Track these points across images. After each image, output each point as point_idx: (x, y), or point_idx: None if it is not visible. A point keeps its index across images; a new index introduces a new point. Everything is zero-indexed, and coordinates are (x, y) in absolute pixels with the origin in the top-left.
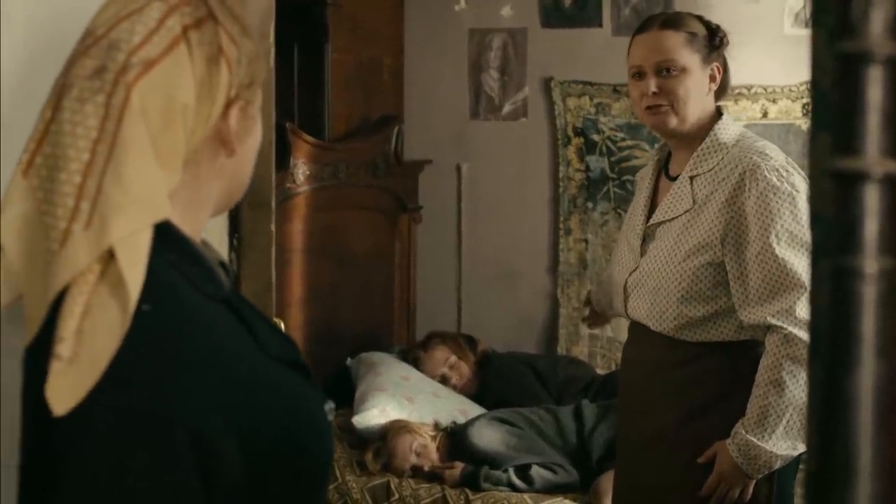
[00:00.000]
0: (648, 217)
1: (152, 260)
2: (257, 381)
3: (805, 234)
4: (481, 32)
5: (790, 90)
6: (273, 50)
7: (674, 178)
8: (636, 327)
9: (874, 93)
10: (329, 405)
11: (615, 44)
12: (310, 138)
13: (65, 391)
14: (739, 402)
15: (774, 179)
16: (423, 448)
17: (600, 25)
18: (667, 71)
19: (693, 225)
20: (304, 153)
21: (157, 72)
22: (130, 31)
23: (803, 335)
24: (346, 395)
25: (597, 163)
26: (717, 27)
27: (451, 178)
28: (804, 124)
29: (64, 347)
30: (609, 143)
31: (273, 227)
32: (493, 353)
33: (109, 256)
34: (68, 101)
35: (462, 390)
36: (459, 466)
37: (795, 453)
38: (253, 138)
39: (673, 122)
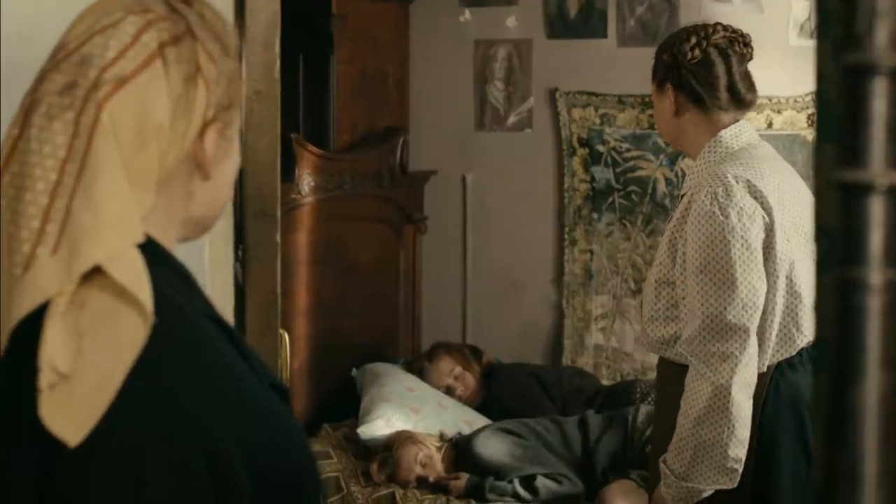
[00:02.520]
0: None
1: (150, 275)
2: (256, 402)
3: (718, 261)
4: (486, 43)
5: (795, 101)
6: (278, 61)
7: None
8: (653, 357)
9: (879, 104)
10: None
11: (620, 55)
12: (315, 149)
13: (72, 418)
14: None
15: (707, 203)
16: (429, 459)
17: (605, 36)
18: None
19: (665, 242)
20: (309, 164)
21: (130, 89)
22: (104, 46)
23: (702, 368)
24: (352, 405)
25: (602, 174)
26: (675, 43)
27: (456, 188)
28: (809, 135)
29: (47, 376)
30: (614, 154)
31: (279, 238)
32: (498, 363)
33: (88, 275)
34: (37, 117)
35: (467, 401)
36: (465, 477)
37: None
38: (229, 162)
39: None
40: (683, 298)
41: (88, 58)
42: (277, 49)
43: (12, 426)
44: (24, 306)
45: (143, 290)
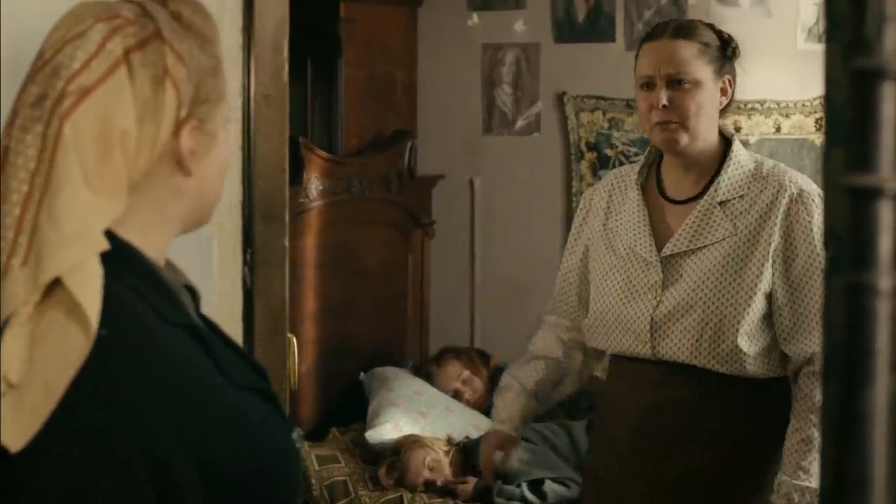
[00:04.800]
0: (657, 244)
1: (111, 285)
2: (218, 407)
3: None
4: (494, 47)
5: (803, 105)
6: (287, 65)
7: (679, 202)
8: (660, 367)
9: (888, 108)
10: (297, 433)
11: (628, 59)
12: (323, 153)
13: (16, 425)
14: (773, 442)
15: (819, 205)
16: (437, 463)
17: (613, 40)
18: (678, 83)
19: (740, 253)
20: (317, 168)
21: (93, 99)
22: (72, 56)
23: None
24: (360, 409)
25: None
26: (730, 37)
27: (464, 192)
28: (817, 139)
29: (4, 384)
30: (622, 158)
31: (287, 242)
32: (505, 367)
33: (52, 285)
34: (14, 129)
35: (475, 405)
36: (472, 481)
37: None
38: (213, 156)
39: (684, 139)
40: (789, 304)
41: (58, 68)
42: (286, 53)
43: None
44: (2, 314)
45: (91, 303)
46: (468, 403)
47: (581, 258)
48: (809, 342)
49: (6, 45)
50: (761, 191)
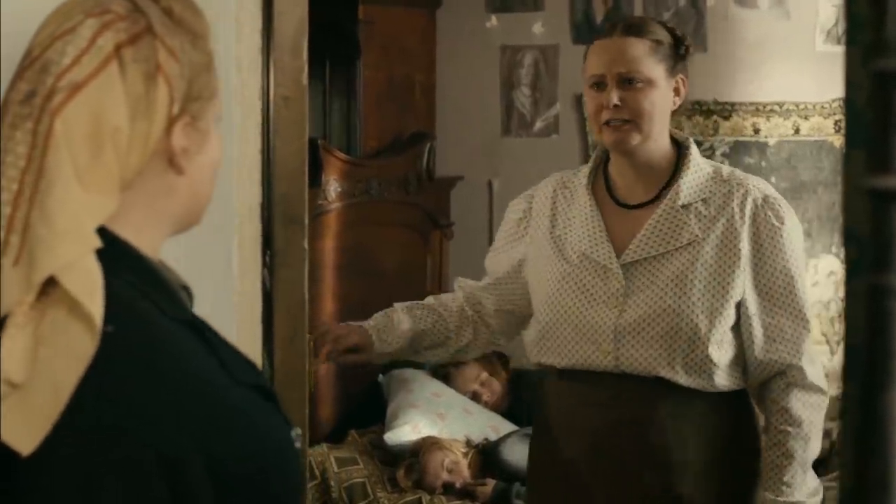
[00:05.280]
0: (615, 252)
1: (112, 281)
2: (224, 404)
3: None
4: (513, 49)
5: (822, 107)
6: (306, 67)
7: (633, 207)
8: (621, 381)
9: None
10: (296, 431)
11: None
12: (342, 155)
13: (26, 427)
14: (743, 459)
15: (786, 212)
16: (455, 465)
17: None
18: (630, 82)
19: (709, 259)
20: (335, 170)
21: (84, 95)
22: (62, 52)
23: (819, 381)
24: (378, 411)
25: None
26: (683, 35)
27: (482, 194)
28: (837, 141)
29: (2, 388)
30: None
31: (306, 244)
32: (524, 370)
33: (49, 284)
34: (4, 127)
35: (493, 407)
36: (491, 483)
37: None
38: (206, 154)
39: (636, 139)
40: (759, 313)
41: (47, 65)
42: (305, 55)
43: None
44: None
45: (93, 300)
46: (486, 405)
47: (515, 265)
48: (782, 353)
49: (6, 45)
50: (726, 194)
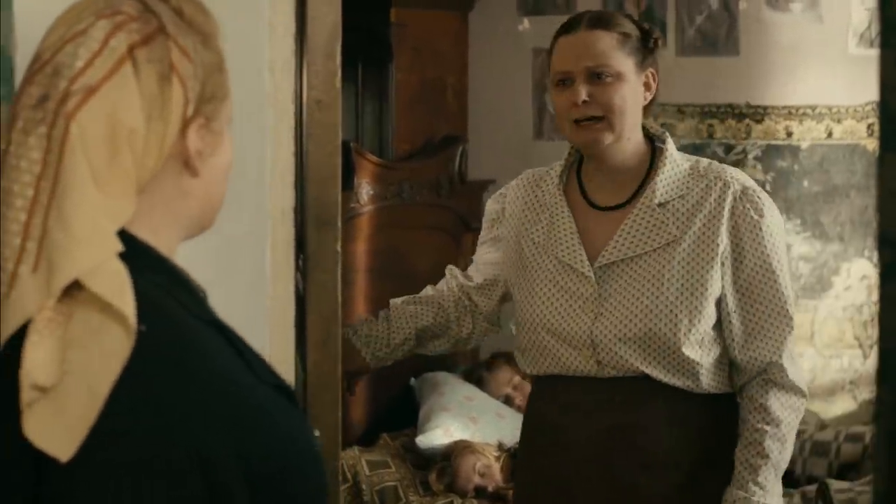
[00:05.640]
0: (589, 255)
1: (137, 280)
2: (251, 404)
3: (785, 265)
4: (545, 52)
5: (855, 110)
6: (339, 70)
7: (608, 209)
8: (607, 386)
9: None
10: (316, 433)
11: (680, 64)
12: (374, 158)
13: (64, 432)
14: (726, 461)
15: (766, 204)
16: (487, 469)
17: (664, 45)
18: (598, 77)
19: (686, 257)
20: (367, 173)
21: (99, 98)
22: (74, 55)
23: (799, 381)
24: (410, 415)
25: None
26: (651, 27)
27: None
28: (870, 145)
29: (27, 395)
30: None
31: (339, 248)
32: None
33: (71, 287)
34: (15, 132)
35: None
36: None
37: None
38: (220, 156)
39: (608, 138)
40: (739, 309)
41: (59, 68)
42: (338, 59)
43: (4, 446)
44: (10, 325)
45: (125, 301)
46: (519, 409)
47: (495, 270)
48: (762, 351)
49: (22, 50)
50: (704, 189)
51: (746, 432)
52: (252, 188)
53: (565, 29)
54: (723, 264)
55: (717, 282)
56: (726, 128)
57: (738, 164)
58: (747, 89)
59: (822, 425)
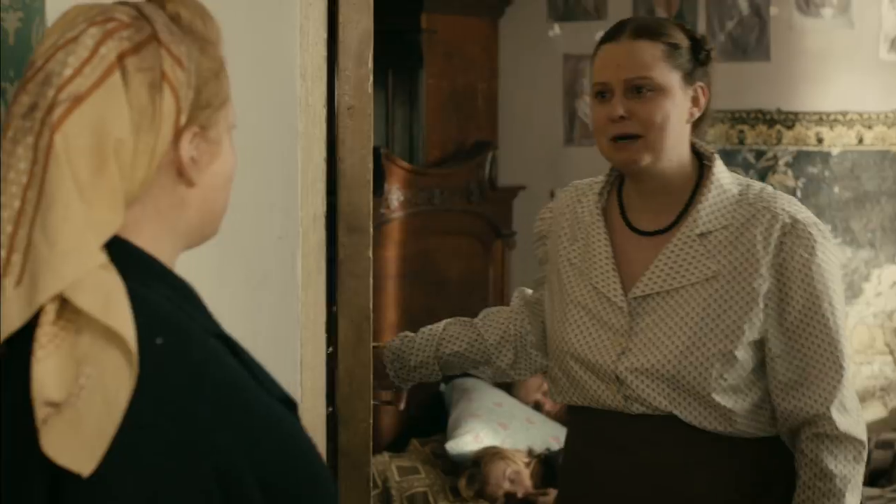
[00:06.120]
0: (624, 283)
1: (149, 294)
2: (262, 416)
3: (841, 306)
4: (575, 58)
5: (886, 116)
6: (371, 76)
7: (648, 234)
8: (636, 423)
9: None
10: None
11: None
12: (404, 164)
13: (83, 449)
14: None
15: (821, 239)
16: (517, 475)
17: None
18: (638, 90)
19: (724, 295)
20: (398, 179)
21: (86, 108)
22: (63, 62)
23: (852, 430)
24: (440, 420)
25: None
26: (703, 38)
27: (545, 203)
28: None
29: (42, 411)
30: None
31: (370, 254)
32: None
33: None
34: (6, 141)
35: (556, 417)
36: (553, 493)
37: None
38: (219, 164)
39: (646, 159)
40: (784, 354)
41: (49, 76)
42: (370, 64)
43: (16, 460)
44: None
45: (109, 313)
46: (549, 415)
47: (540, 290)
48: (811, 401)
49: None
50: (749, 220)
51: (800, 488)
52: (283, 194)
53: (609, 36)
54: (766, 305)
55: (757, 325)
56: (757, 134)
57: (768, 170)
58: (778, 95)
59: None
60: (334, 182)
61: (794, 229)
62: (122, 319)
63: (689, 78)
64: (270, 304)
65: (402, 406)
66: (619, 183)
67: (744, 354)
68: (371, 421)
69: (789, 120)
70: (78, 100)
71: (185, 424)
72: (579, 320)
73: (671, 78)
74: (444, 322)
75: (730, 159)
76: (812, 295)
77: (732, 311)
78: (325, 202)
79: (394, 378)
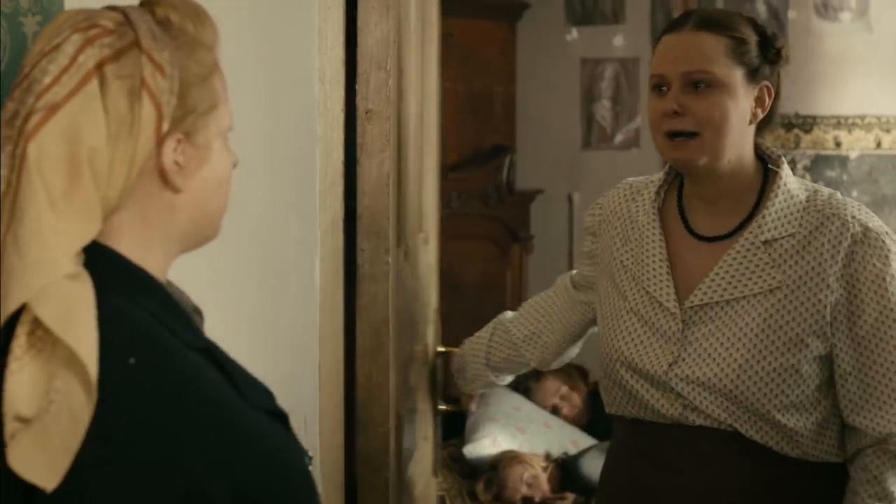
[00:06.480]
0: (679, 290)
1: (132, 309)
2: (243, 431)
3: None
4: (593, 62)
5: None
6: (390, 80)
7: (708, 239)
8: (700, 437)
9: None
10: (308, 456)
11: None
12: None
13: (48, 463)
14: None
15: (893, 249)
16: (534, 479)
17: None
18: (696, 85)
19: (788, 307)
20: None
21: (61, 116)
22: (45, 70)
23: None
24: (458, 424)
25: None
26: (775, 35)
27: (562, 207)
28: None
29: (10, 426)
30: None
31: (390, 259)
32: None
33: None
34: None
35: (573, 421)
36: (570, 498)
37: None
38: (209, 170)
39: (701, 158)
40: (855, 371)
41: (31, 84)
42: (390, 68)
43: None
44: None
45: (67, 327)
46: (566, 419)
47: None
48: (884, 418)
49: None
50: (817, 228)
51: None
52: (302, 198)
53: (671, 27)
54: (835, 318)
55: (823, 339)
56: (775, 137)
57: None
58: (796, 99)
59: None
60: (354, 186)
61: (865, 238)
62: (82, 334)
63: (754, 76)
64: (289, 308)
65: (472, 408)
66: (678, 183)
67: (809, 370)
68: (390, 426)
69: (807, 124)
70: (53, 109)
71: (158, 443)
72: (631, 327)
73: (734, 74)
74: (490, 326)
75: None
76: (885, 307)
77: (796, 323)
78: (343, 206)
79: (462, 386)
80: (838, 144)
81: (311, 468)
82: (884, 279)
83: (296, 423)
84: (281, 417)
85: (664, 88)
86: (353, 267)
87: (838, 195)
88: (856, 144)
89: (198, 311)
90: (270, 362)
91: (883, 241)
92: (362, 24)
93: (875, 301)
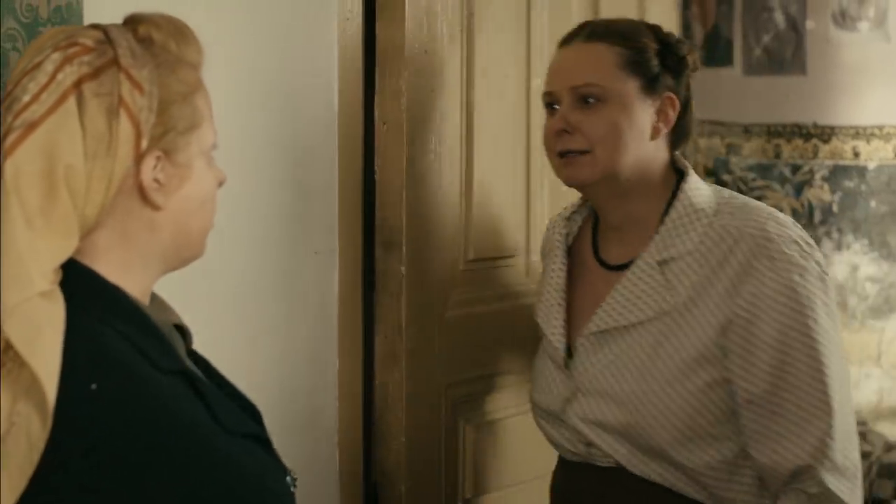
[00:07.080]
0: (578, 321)
1: (104, 332)
2: (213, 460)
3: (838, 338)
4: None
5: None
6: (406, 91)
7: (613, 267)
8: (608, 479)
9: None
10: (290, 476)
11: (746, 83)
12: None
13: (5, 485)
14: None
15: (797, 256)
16: None
17: (731, 65)
18: (586, 100)
19: (680, 331)
20: None
21: (38, 134)
22: (25, 88)
23: (838, 488)
24: None
25: None
26: (679, 42)
27: None
28: None
29: None
30: (740, 184)
31: (404, 269)
32: None
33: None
34: None
35: None
36: None
37: None
38: (191, 188)
39: (593, 177)
40: (757, 399)
41: (12, 102)
42: (404, 78)
43: None
44: None
45: (39, 350)
46: None
47: None
48: (791, 450)
49: None
50: (716, 243)
51: None
52: (320, 209)
53: (564, 40)
54: (730, 340)
55: (715, 363)
56: (793, 147)
57: (804, 184)
58: (814, 109)
59: (890, 447)
60: (372, 198)
61: (764, 250)
62: (46, 359)
63: (653, 86)
64: (308, 319)
65: None
66: (595, 211)
67: (705, 399)
68: (404, 438)
69: (826, 134)
70: (31, 127)
71: (115, 472)
72: (539, 363)
73: (627, 86)
74: None
75: (766, 173)
76: (786, 325)
77: (684, 348)
78: (361, 217)
79: None
80: (857, 154)
81: (293, 489)
82: (786, 294)
83: (314, 434)
84: (260, 439)
85: (556, 106)
86: (372, 278)
87: (752, 202)
88: (874, 154)
89: (180, 328)
90: (289, 374)
91: (784, 252)
92: (381, 35)
93: (774, 319)
